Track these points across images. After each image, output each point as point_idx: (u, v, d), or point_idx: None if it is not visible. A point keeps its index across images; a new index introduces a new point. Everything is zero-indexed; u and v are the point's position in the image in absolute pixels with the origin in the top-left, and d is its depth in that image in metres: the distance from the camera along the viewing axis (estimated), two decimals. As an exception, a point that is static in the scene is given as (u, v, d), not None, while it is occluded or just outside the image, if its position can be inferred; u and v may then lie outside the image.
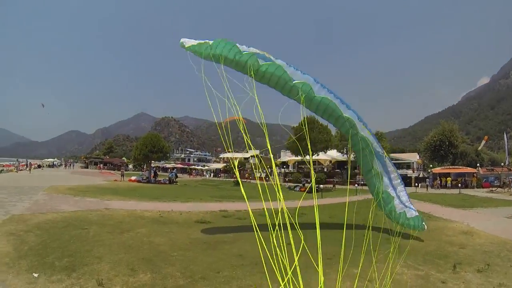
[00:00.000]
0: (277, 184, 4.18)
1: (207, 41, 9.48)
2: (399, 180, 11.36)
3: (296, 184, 45.04)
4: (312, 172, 5.57)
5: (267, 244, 3.22)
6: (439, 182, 48.91)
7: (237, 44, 9.59)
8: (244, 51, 9.39)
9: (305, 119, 58.67)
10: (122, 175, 44.14)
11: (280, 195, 3.82)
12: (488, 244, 10.27)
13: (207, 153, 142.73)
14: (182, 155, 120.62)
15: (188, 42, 9.58)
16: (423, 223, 10.51)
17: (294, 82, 9.85)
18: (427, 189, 44.24)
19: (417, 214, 10.73)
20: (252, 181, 42.05)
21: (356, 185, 41.83)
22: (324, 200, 23.94)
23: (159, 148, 41.39)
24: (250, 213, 3.96)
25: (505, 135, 64.70)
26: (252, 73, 8.95)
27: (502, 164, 57.49)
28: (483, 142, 66.09)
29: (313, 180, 4.98)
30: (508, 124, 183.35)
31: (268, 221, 3.52)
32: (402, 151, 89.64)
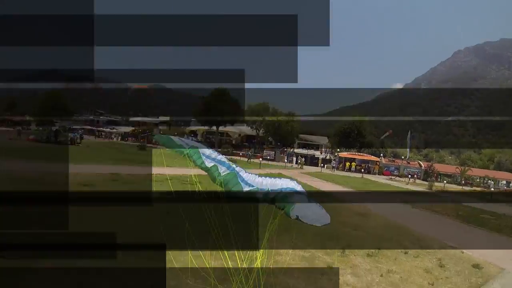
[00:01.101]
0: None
1: (183, 149, 11.40)
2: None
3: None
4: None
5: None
6: (342, 165, 52.86)
7: (209, 151, 11.92)
8: (210, 162, 11.36)
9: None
10: (19, 133, 39.11)
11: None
12: (381, 227, 10.02)
13: (118, 116, 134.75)
14: (91, 117, 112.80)
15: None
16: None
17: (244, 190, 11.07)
18: (332, 170, 47.26)
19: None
20: (158, 146, 39.88)
21: (260, 159, 43.61)
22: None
23: (61, 106, 37.35)
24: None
25: (409, 133, 72.39)
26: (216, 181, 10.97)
27: (403, 157, 64.38)
28: (386, 133, 73.35)
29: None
30: (413, 126, 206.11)
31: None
32: (313, 134, 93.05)
